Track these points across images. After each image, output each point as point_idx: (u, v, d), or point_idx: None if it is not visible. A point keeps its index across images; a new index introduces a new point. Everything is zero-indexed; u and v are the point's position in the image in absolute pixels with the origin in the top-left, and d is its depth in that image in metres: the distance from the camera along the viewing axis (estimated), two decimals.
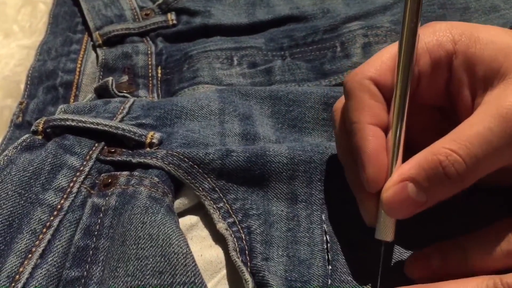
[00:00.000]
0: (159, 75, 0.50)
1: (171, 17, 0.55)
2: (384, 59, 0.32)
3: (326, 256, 0.33)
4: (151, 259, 0.30)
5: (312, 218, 0.35)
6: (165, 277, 0.30)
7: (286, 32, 0.54)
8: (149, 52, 0.52)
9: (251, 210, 0.36)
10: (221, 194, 0.36)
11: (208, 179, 0.36)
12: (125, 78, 0.49)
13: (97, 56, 0.53)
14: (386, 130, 0.31)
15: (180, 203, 0.37)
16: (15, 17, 0.60)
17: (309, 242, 0.34)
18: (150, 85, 0.49)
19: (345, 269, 0.33)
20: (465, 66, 0.30)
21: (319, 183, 0.37)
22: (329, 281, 0.32)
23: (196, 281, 0.30)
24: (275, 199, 0.36)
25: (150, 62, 0.51)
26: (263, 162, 0.37)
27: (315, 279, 0.32)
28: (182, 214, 0.37)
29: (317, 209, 0.36)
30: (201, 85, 0.47)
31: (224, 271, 0.35)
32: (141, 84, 0.49)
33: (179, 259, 0.30)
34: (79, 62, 0.53)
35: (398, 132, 0.30)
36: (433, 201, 0.29)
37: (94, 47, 0.54)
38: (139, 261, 0.31)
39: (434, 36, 0.31)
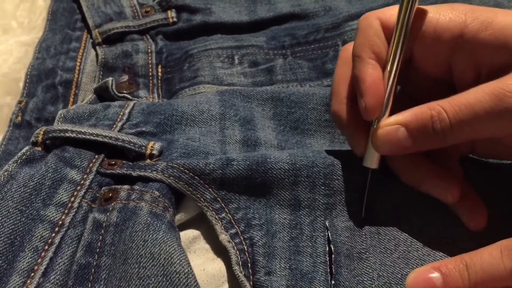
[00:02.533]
0: (160, 74, 0.50)
1: (171, 14, 0.55)
2: (395, 8, 0.35)
3: (329, 269, 0.33)
4: (153, 279, 0.30)
5: (315, 225, 0.35)
6: None
7: (287, 30, 0.53)
8: (149, 50, 0.51)
9: (254, 220, 0.35)
10: (223, 204, 0.36)
11: (210, 189, 0.36)
12: (125, 77, 0.48)
13: (97, 55, 0.52)
14: (384, 67, 0.34)
15: (181, 215, 0.37)
16: (14, 13, 0.60)
17: (312, 252, 0.34)
18: (151, 84, 0.49)
19: (347, 283, 0.33)
20: (471, 50, 0.32)
21: (322, 187, 0.36)
22: None
23: None
24: (277, 206, 0.36)
25: (150, 61, 0.50)
26: (264, 170, 0.36)
27: None
28: (185, 226, 0.37)
29: (320, 215, 0.36)
30: (202, 85, 0.47)
31: (226, 286, 0.34)
32: (142, 84, 0.48)
33: (181, 279, 0.30)
34: (79, 60, 0.53)
35: (394, 67, 0.34)
36: (416, 148, 0.33)
37: (94, 45, 0.54)
38: (141, 281, 0.30)
39: (448, 14, 0.33)
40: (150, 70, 0.50)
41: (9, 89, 0.54)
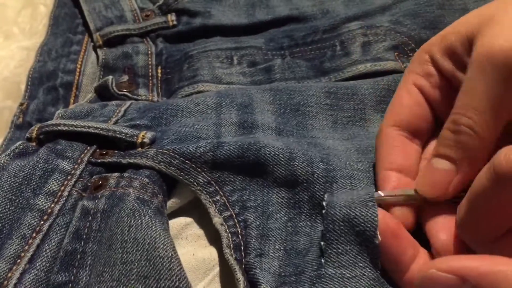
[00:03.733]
0: (159, 74, 0.50)
1: (171, 18, 0.55)
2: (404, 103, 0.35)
3: (320, 246, 0.32)
4: (136, 264, 0.30)
5: (315, 201, 0.34)
6: (150, 282, 0.29)
7: (286, 32, 0.54)
8: (149, 52, 0.52)
9: (249, 202, 0.35)
10: (217, 187, 0.36)
11: (202, 173, 0.36)
12: (125, 77, 0.49)
13: (97, 57, 0.53)
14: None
15: (173, 202, 0.37)
16: (15, 19, 0.60)
17: (310, 232, 0.33)
18: (150, 84, 0.49)
19: (336, 258, 0.31)
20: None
21: (321, 163, 0.36)
22: (323, 269, 0.31)
23: (181, 285, 0.29)
24: (274, 184, 0.35)
25: (150, 62, 0.51)
26: (256, 148, 0.36)
27: (309, 267, 0.31)
28: (178, 212, 0.37)
29: (320, 189, 0.35)
30: (201, 83, 0.47)
31: (217, 269, 0.34)
32: (141, 83, 0.49)
33: (164, 263, 0.30)
34: (79, 62, 0.53)
35: None
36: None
37: (94, 48, 0.55)
38: (125, 266, 0.30)
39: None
40: (150, 70, 0.50)
41: (10, 92, 0.54)
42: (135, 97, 0.47)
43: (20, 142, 0.39)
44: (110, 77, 0.47)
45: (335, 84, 0.44)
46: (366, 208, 0.31)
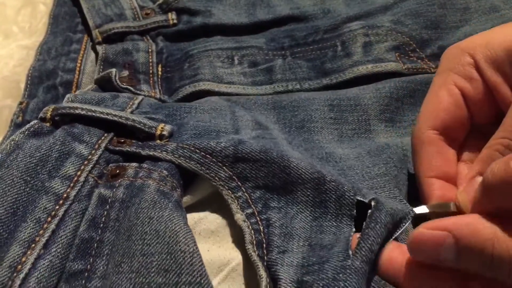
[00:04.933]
0: (160, 72, 0.50)
1: (172, 16, 0.55)
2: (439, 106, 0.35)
3: (347, 241, 0.31)
4: (156, 256, 0.30)
5: (343, 201, 0.33)
6: (171, 276, 0.29)
7: (287, 32, 0.54)
8: (149, 50, 0.51)
9: (272, 202, 0.34)
10: (239, 183, 0.35)
11: (224, 167, 0.35)
12: (125, 72, 0.48)
13: (97, 55, 0.53)
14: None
15: (187, 198, 0.36)
16: (15, 18, 0.60)
17: (336, 231, 0.33)
18: (151, 81, 0.49)
19: (366, 253, 0.31)
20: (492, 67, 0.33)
21: (343, 156, 0.36)
22: (350, 261, 0.30)
23: (202, 281, 0.29)
24: (299, 181, 0.34)
25: (151, 60, 0.50)
26: (279, 145, 0.35)
27: (334, 257, 0.31)
28: (192, 207, 0.37)
29: (349, 189, 0.34)
30: (202, 82, 0.47)
31: (231, 265, 0.34)
32: (142, 80, 0.48)
33: (186, 258, 0.29)
34: (79, 61, 0.53)
35: None
36: None
37: (94, 47, 0.54)
38: (145, 258, 0.30)
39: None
40: (151, 68, 0.50)
41: (10, 91, 0.54)
42: (138, 92, 0.47)
43: (35, 121, 0.38)
44: (114, 69, 0.46)
45: (337, 95, 0.44)
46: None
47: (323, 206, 0.34)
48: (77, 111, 0.38)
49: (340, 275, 0.29)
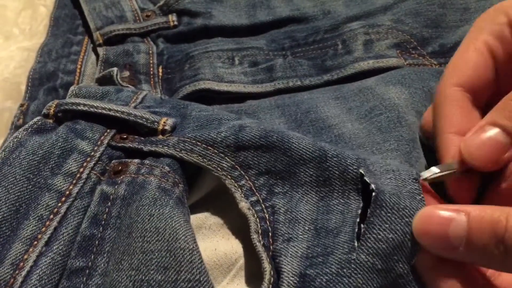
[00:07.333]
0: (160, 74, 0.50)
1: (172, 18, 0.55)
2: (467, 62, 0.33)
3: (354, 226, 0.30)
4: (156, 254, 0.30)
5: (347, 176, 0.33)
6: (170, 273, 0.29)
7: (287, 33, 0.54)
8: (150, 51, 0.52)
9: (276, 187, 0.34)
10: (242, 171, 0.35)
11: (226, 157, 0.35)
12: (126, 73, 0.48)
13: (97, 57, 0.53)
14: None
15: (193, 193, 0.36)
16: (15, 20, 0.60)
17: (343, 209, 0.32)
18: (152, 82, 0.49)
19: (372, 245, 0.30)
20: None
21: (352, 136, 0.35)
22: (355, 254, 0.29)
23: (202, 279, 0.29)
24: (301, 161, 0.34)
25: (151, 61, 0.50)
26: (280, 131, 0.35)
27: (339, 248, 0.30)
28: (196, 204, 0.37)
29: (352, 163, 0.33)
30: (203, 81, 0.47)
31: (240, 263, 0.34)
32: (143, 80, 0.48)
33: (185, 255, 0.29)
34: (80, 63, 0.53)
35: None
36: None
37: (94, 49, 0.54)
38: (144, 255, 0.30)
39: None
40: (152, 69, 0.50)
41: (10, 93, 0.54)
42: (141, 91, 0.46)
43: (38, 118, 0.38)
44: (115, 68, 0.46)
45: (340, 89, 0.44)
46: (415, 201, 0.30)
47: (327, 184, 0.33)
48: (79, 107, 0.38)
49: (345, 270, 0.29)
